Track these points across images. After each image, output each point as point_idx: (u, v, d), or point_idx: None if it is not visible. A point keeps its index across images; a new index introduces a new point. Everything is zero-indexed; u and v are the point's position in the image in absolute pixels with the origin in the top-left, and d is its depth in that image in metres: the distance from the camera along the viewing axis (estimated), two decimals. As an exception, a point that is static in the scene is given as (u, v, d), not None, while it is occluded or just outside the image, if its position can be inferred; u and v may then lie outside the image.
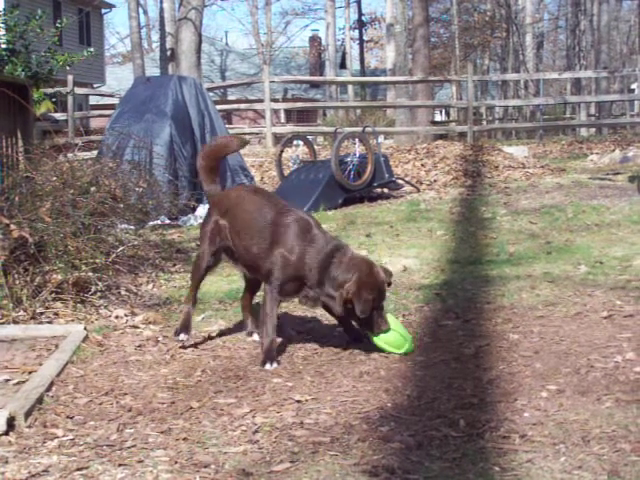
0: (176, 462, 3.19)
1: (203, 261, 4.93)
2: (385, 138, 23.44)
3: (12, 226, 5.63)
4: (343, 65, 49.72)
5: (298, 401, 3.85)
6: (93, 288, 5.90)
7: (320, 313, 5.34)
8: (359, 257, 4.66)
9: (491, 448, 3.23)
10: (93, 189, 7.13)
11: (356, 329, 4.78)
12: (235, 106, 25.62)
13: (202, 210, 10.61)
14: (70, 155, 8.40)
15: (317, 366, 4.45)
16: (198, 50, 21.09)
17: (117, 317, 5.56)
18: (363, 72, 47.47)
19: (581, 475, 2.98)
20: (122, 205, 7.34)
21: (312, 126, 35.14)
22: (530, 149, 17.52)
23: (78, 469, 3.15)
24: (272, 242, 4.57)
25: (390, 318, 4.62)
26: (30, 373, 4.33)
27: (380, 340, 4.56)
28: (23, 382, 4.18)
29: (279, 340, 4.88)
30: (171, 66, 25.24)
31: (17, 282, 5.55)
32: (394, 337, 4.57)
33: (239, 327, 5.28)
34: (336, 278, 4.46)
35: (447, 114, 47.15)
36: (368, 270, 4.51)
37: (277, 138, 20.36)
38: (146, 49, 56.09)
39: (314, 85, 48.84)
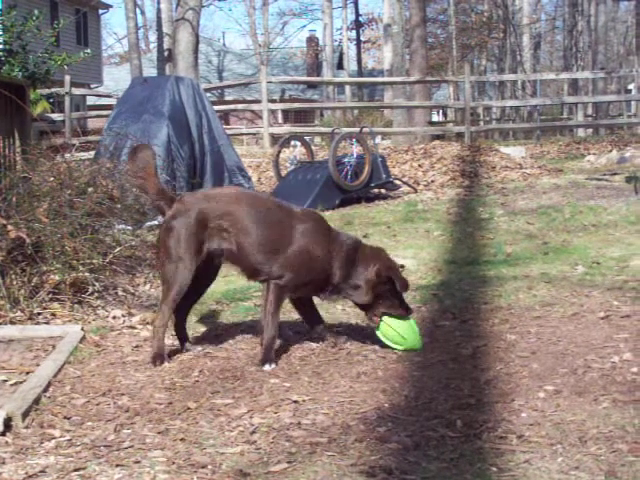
0: (173, 463, 3.19)
1: (188, 272, 4.49)
2: (382, 139, 23.43)
3: (9, 227, 5.63)
4: (340, 66, 49.73)
5: (295, 402, 3.85)
6: (90, 289, 5.90)
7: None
8: (375, 247, 4.91)
9: (488, 448, 3.23)
10: (90, 190, 7.13)
11: (316, 315, 4.93)
12: (232, 107, 25.60)
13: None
14: (67, 156, 8.39)
15: (314, 366, 4.45)
16: (195, 51, 21.08)
17: (114, 318, 5.56)
18: (360, 73, 47.46)
19: (578, 475, 2.98)
20: (119, 205, 7.33)
21: (309, 126, 35.14)
22: (527, 150, 17.52)
23: (75, 470, 3.14)
24: (294, 240, 4.56)
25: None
26: (27, 374, 4.33)
27: (400, 328, 4.65)
28: (20, 383, 4.18)
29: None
30: (168, 67, 25.21)
31: (14, 282, 5.55)
32: (411, 327, 4.70)
33: (236, 327, 5.29)
34: (362, 271, 4.64)
35: (444, 115, 47.24)
36: (386, 256, 4.81)
37: (274, 139, 20.35)
38: (143, 50, 56.04)
39: (311, 86, 48.85)
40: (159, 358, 4.53)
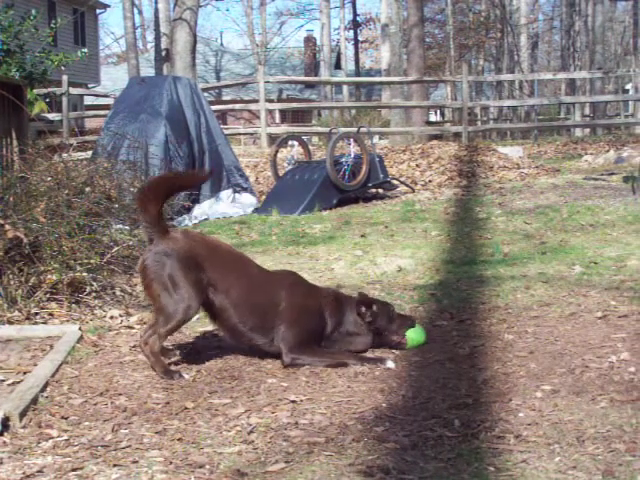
0: (171, 462, 3.19)
1: (191, 310, 4.39)
2: (380, 138, 23.45)
3: (7, 226, 5.62)
4: (338, 65, 49.77)
5: (293, 401, 3.85)
6: (88, 288, 5.90)
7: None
8: (345, 294, 4.97)
9: (486, 448, 3.23)
10: (88, 189, 7.13)
11: None
12: (230, 106, 25.59)
13: (198, 210, 10.61)
14: (65, 155, 8.39)
15: (312, 366, 4.45)
16: (193, 50, 21.07)
17: (112, 317, 5.56)
18: (358, 72, 47.50)
19: (576, 475, 2.98)
20: (117, 205, 7.33)
21: (307, 126, 35.16)
22: (525, 149, 17.54)
23: (73, 469, 3.14)
24: (287, 304, 4.54)
25: None
26: (25, 373, 4.33)
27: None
28: (18, 382, 4.17)
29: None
30: (166, 66, 25.22)
31: (12, 282, 5.54)
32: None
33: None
34: (350, 318, 4.67)
35: (442, 114, 47.24)
36: (365, 294, 4.90)
37: (272, 138, 20.36)
38: (141, 49, 56.05)
39: (309, 85, 48.86)
40: (171, 373, 4.33)
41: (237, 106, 24.51)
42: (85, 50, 15.41)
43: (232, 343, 4.64)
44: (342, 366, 4.41)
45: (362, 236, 8.60)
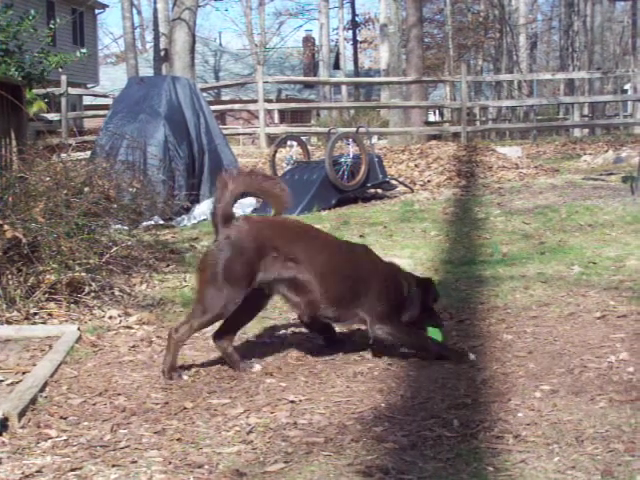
0: (170, 462, 3.19)
1: (233, 305, 4.28)
2: (379, 138, 23.43)
3: (6, 226, 5.62)
4: (337, 65, 49.75)
5: (292, 401, 3.85)
6: (87, 288, 5.90)
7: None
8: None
9: (485, 448, 3.23)
10: (87, 189, 7.12)
11: (332, 331, 4.82)
12: (229, 106, 25.61)
13: (197, 211, 10.60)
14: (64, 155, 8.38)
15: (311, 366, 4.45)
16: (192, 50, 21.07)
17: (111, 317, 5.56)
18: (357, 72, 47.49)
19: (575, 475, 2.98)
20: (116, 205, 7.33)
21: (306, 126, 35.12)
22: (524, 150, 17.52)
23: (72, 470, 3.14)
24: (372, 278, 4.53)
25: None
26: (24, 373, 4.33)
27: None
28: (17, 382, 4.18)
29: (273, 341, 4.90)
30: (165, 66, 25.22)
31: (10, 282, 5.54)
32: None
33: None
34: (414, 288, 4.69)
35: (441, 115, 47.22)
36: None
37: (271, 138, 20.34)
38: (140, 49, 55.99)
39: (308, 85, 48.82)
40: (174, 371, 4.31)
41: (236, 106, 24.53)
42: (84, 50, 15.38)
43: (307, 320, 4.62)
44: (424, 351, 4.46)
45: (361, 236, 8.60)
